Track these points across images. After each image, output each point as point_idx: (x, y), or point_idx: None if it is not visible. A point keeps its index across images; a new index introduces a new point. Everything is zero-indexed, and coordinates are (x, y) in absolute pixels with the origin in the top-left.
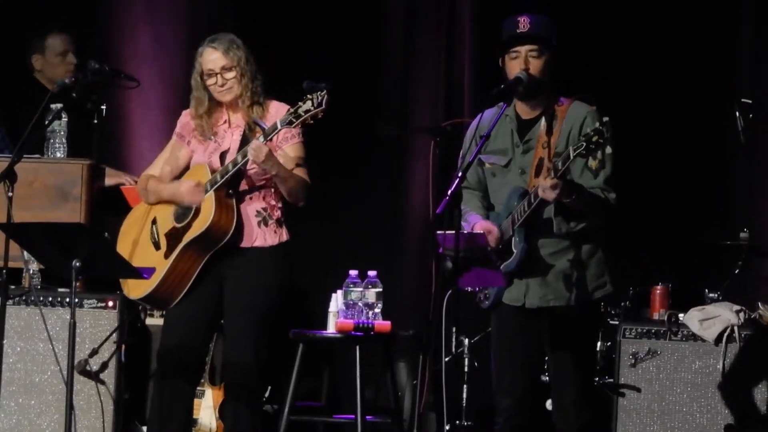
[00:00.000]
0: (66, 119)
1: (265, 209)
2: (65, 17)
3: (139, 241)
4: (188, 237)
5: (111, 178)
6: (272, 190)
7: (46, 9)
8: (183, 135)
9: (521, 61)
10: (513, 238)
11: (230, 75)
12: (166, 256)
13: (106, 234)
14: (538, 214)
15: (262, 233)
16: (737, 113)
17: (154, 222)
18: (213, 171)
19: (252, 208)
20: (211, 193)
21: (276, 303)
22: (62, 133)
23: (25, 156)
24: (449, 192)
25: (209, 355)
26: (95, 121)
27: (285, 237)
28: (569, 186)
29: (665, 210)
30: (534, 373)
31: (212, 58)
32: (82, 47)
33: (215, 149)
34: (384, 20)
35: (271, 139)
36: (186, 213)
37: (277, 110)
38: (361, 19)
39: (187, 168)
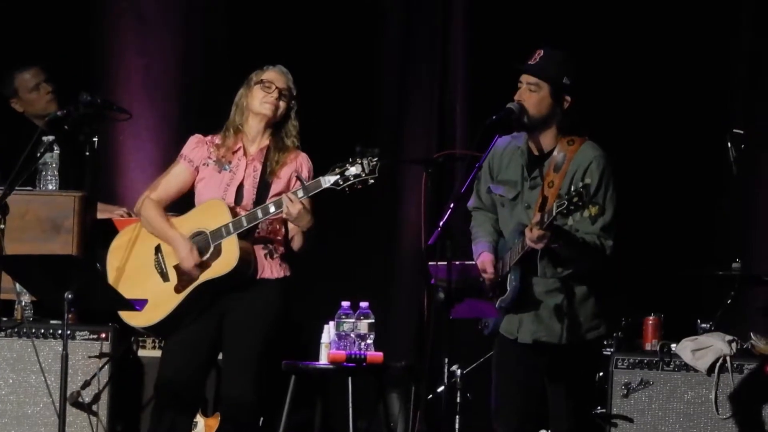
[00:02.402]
0: (58, 151)
1: (271, 242)
2: (27, 54)
3: (138, 266)
4: (207, 276)
5: (102, 213)
6: (278, 226)
7: (38, 41)
8: (192, 160)
9: (519, 93)
10: (509, 276)
11: (284, 99)
12: (178, 290)
13: (98, 266)
14: (533, 254)
15: (269, 265)
16: (729, 144)
17: (158, 250)
18: (230, 208)
19: (260, 241)
20: (235, 237)
21: (274, 339)
22: (54, 165)
23: (17, 188)
24: (441, 223)
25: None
26: (87, 153)
27: (288, 272)
28: (557, 234)
29: (657, 240)
30: (531, 403)
31: (278, 76)
32: (74, 80)
33: (230, 180)
34: (379, 54)
35: (309, 197)
36: (202, 251)
37: (296, 157)
38: (356, 53)
39: (187, 193)
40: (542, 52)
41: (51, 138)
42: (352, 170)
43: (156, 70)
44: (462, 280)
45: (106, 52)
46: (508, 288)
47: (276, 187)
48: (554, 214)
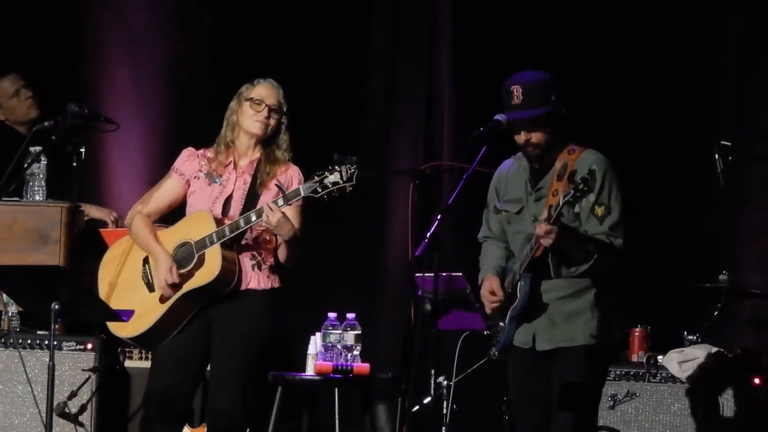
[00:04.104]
0: (45, 162)
1: (260, 254)
2: (14, 63)
3: (127, 278)
4: (189, 286)
5: (96, 212)
6: (268, 237)
7: (25, 51)
8: (183, 173)
9: (522, 135)
10: (519, 283)
11: (274, 115)
12: (162, 300)
13: (85, 279)
14: (543, 259)
15: (255, 276)
16: (716, 156)
17: (146, 261)
18: (216, 219)
19: (247, 253)
20: (218, 246)
21: (264, 351)
22: (41, 176)
23: (4, 199)
24: (428, 234)
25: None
26: (74, 164)
27: (277, 284)
28: (564, 231)
29: (644, 252)
30: (548, 414)
31: (267, 91)
32: (61, 90)
33: (219, 193)
34: (365, 65)
35: (290, 205)
36: (186, 260)
37: (287, 169)
38: (342, 64)
39: (180, 206)
40: (519, 87)
41: (38, 148)
42: (331, 178)
43: (144, 80)
44: (449, 292)
45: (94, 63)
46: (519, 294)
47: (265, 198)
48: (561, 203)
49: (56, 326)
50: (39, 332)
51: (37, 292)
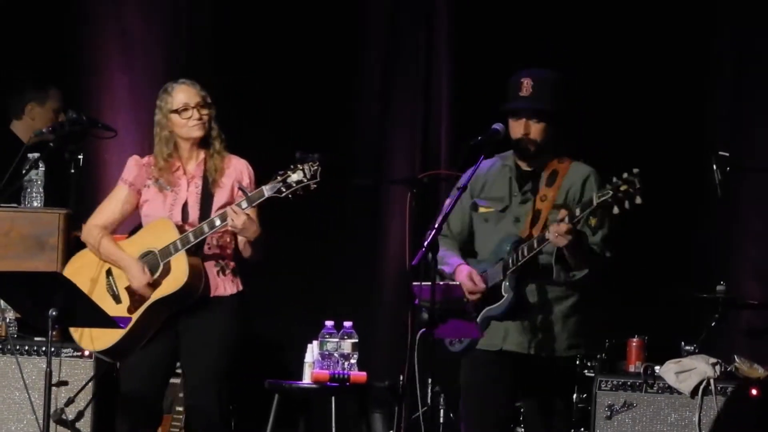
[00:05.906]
0: (43, 169)
1: (222, 258)
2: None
3: (93, 292)
4: (158, 295)
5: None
6: (228, 240)
7: (24, 59)
8: (133, 183)
9: (521, 125)
10: (503, 284)
11: (204, 111)
12: (131, 311)
13: None
14: (534, 262)
15: (222, 282)
16: (714, 166)
17: (109, 273)
18: (177, 226)
19: (211, 259)
20: (183, 253)
21: (236, 351)
22: (39, 182)
23: (1, 205)
24: (425, 243)
25: (168, 400)
26: (72, 171)
27: (241, 286)
28: (578, 234)
29: (641, 262)
30: (506, 424)
31: (187, 94)
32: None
33: (174, 201)
34: (362, 72)
35: (255, 207)
36: (152, 270)
37: (234, 166)
38: (339, 72)
39: (135, 217)
40: (530, 80)
41: (37, 155)
42: (294, 177)
43: (141, 86)
44: (446, 301)
45: (91, 69)
46: (504, 294)
47: (219, 196)
48: (595, 204)
49: (53, 332)
50: (36, 338)
51: (35, 298)
